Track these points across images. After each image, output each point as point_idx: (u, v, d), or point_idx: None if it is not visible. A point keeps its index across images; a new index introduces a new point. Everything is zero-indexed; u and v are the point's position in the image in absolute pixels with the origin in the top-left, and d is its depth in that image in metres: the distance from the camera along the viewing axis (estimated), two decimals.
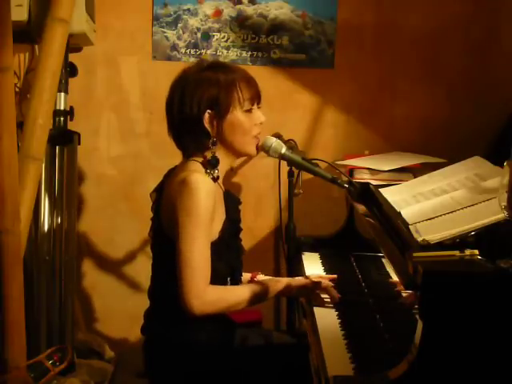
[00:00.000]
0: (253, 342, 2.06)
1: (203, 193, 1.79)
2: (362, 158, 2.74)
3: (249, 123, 1.91)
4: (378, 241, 1.82)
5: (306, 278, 2.04)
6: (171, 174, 1.95)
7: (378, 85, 3.12)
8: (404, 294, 1.96)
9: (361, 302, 1.96)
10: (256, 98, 1.94)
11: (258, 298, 1.90)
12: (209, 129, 1.89)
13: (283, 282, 1.98)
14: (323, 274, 2.21)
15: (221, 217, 1.90)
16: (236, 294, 1.89)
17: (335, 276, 2.15)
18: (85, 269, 3.12)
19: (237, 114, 1.90)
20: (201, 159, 1.91)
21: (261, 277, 2.15)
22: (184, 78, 1.92)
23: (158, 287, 1.97)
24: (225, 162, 1.93)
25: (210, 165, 1.89)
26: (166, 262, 1.88)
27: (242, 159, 2.92)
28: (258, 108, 1.95)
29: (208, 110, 1.88)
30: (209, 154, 1.90)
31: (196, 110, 1.87)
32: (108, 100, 3.07)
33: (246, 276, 2.13)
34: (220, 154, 1.92)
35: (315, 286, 1.98)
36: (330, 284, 1.99)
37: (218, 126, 1.89)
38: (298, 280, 2.01)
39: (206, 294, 1.80)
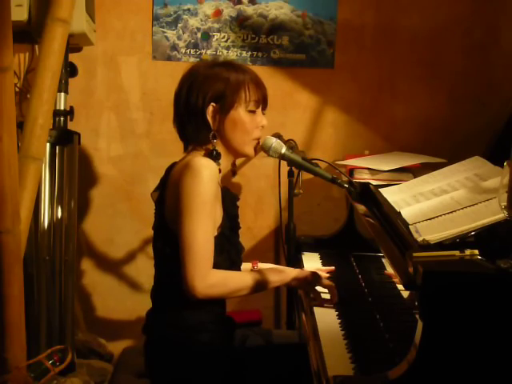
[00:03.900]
0: (253, 342, 2.06)
1: (207, 175, 1.80)
2: (362, 157, 2.74)
3: (250, 124, 1.93)
4: (378, 241, 1.82)
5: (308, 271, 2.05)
6: (173, 167, 1.95)
7: (378, 85, 3.12)
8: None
9: (361, 303, 1.96)
10: (262, 101, 1.96)
11: (261, 286, 1.90)
12: (210, 122, 1.91)
13: (287, 272, 1.98)
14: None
15: (220, 212, 1.91)
16: (240, 280, 1.89)
17: (333, 268, 2.16)
18: (85, 269, 3.12)
19: (240, 112, 1.91)
20: (203, 152, 1.93)
21: (261, 265, 2.18)
22: (195, 71, 1.95)
23: (160, 287, 1.97)
24: (223, 160, 1.94)
25: (212, 157, 1.90)
26: (168, 260, 1.88)
27: (241, 160, 2.93)
28: (263, 113, 1.97)
29: (212, 103, 1.90)
30: (210, 147, 1.92)
31: (201, 101, 1.90)
32: (108, 100, 3.07)
33: (246, 265, 2.15)
34: (219, 150, 1.93)
35: (316, 280, 1.98)
36: (332, 284, 1.99)
37: (219, 121, 1.91)
38: (301, 271, 2.02)
39: (210, 277, 1.80)
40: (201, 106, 1.90)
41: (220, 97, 1.90)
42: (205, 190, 1.79)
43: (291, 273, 1.99)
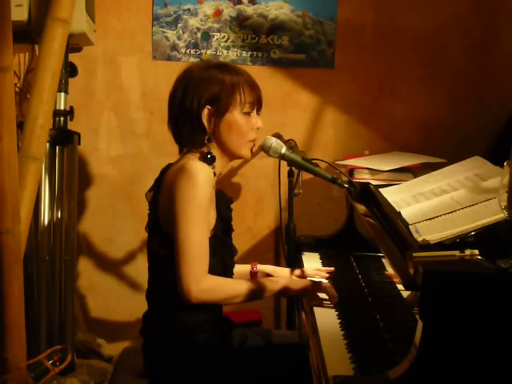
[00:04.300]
0: (253, 342, 2.06)
1: (202, 179, 1.79)
2: (362, 157, 2.74)
3: (246, 126, 1.93)
4: (378, 241, 1.82)
5: (306, 278, 2.05)
6: (168, 168, 1.95)
7: (378, 85, 3.12)
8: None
9: (361, 303, 1.96)
10: (257, 103, 1.95)
11: (255, 295, 1.90)
12: (206, 124, 1.90)
13: (281, 283, 1.96)
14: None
15: (213, 215, 1.91)
16: (234, 287, 1.89)
17: (332, 268, 2.16)
18: (84, 269, 3.12)
19: (235, 115, 1.91)
20: (198, 155, 1.92)
21: (260, 266, 2.18)
22: (189, 73, 1.95)
23: (155, 289, 1.97)
24: (219, 162, 1.94)
25: (207, 160, 1.89)
26: (162, 261, 1.88)
27: (240, 160, 2.94)
28: (258, 114, 1.97)
29: (208, 106, 1.90)
30: (205, 150, 1.92)
31: (196, 104, 1.90)
32: (108, 100, 3.07)
33: (245, 267, 2.15)
34: (215, 153, 1.93)
35: (315, 288, 1.98)
36: (329, 285, 1.99)
37: (215, 124, 1.91)
38: (298, 282, 2.01)
39: (205, 282, 1.79)
40: (196, 108, 1.90)
41: (215, 99, 1.89)
42: (200, 194, 1.79)
43: (281, 281, 1.97)
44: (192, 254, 1.77)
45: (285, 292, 1.97)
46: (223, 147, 1.94)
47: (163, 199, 1.89)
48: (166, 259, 1.85)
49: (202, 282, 1.78)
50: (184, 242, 1.78)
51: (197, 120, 1.90)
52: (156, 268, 1.95)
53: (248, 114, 1.93)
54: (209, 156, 1.90)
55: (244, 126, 1.92)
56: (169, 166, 1.97)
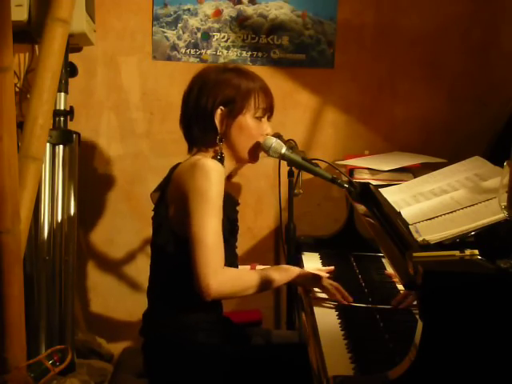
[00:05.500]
0: (253, 342, 2.06)
1: (216, 175, 1.81)
2: (362, 157, 2.74)
3: (256, 130, 1.96)
4: (378, 241, 1.82)
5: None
6: (178, 167, 1.96)
7: (378, 85, 3.12)
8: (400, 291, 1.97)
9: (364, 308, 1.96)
10: (269, 110, 1.99)
11: (268, 284, 1.91)
12: (218, 125, 1.93)
13: (292, 270, 1.99)
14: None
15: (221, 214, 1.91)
16: (249, 277, 1.89)
17: (332, 268, 2.17)
18: (85, 269, 3.12)
19: (247, 118, 1.95)
20: (208, 154, 1.95)
21: (259, 268, 2.17)
22: (206, 74, 1.98)
23: (157, 286, 1.97)
24: (226, 164, 1.95)
25: (219, 159, 1.91)
26: (169, 258, 1.88)
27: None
28: (268, 121, 2.00)
29: (221, 107, 1.93)
30: (217, 149, 1.95)
31: (210, 104, 1.93)
32: (108, 100, 3.07)
33: (244, 268, 2.15)
34: (224, 154, 1.94)
35: (319, 280, 1.99)
36: (336, 284, 2.00)
37: (227, 125, 1.94)
38: (303, 270, 2.04)
39: (223, 275, 1.80)
40: (210, 108, 1.93)
41: (229, 101, 1.93)
42: (214, 188, 1.80)
43: (295, 270, 2.00)
44: (208, 247, 1.77)
45: (295, 280, 1.98)
46: (232, 149, 1.97)
47: (172, 196, 1.89)
48: (173, 256, 1.85)
49: (219, 274, 1.78)
50: (200, 236, 1.77)
51: (209, 119, 1.93)
52: (160, 265, 1.95)
53: (259, 119, 1.97)
54: (218, 157, 1.93)
55: (254, 129, 1.96)
56: (178, 164, 1.98)
